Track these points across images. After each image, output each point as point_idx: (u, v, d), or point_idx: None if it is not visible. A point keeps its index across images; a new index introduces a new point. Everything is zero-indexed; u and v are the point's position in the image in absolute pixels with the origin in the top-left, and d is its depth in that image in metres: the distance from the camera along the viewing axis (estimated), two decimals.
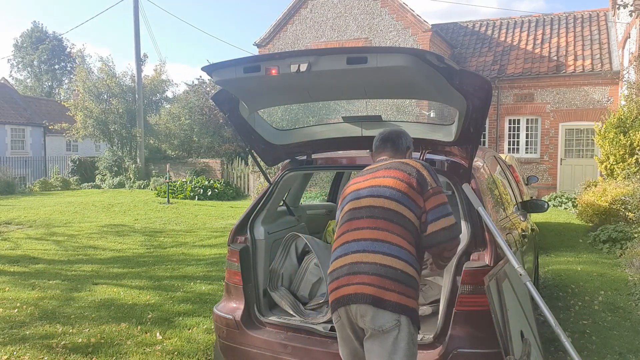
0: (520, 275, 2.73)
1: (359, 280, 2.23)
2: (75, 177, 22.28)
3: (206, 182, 17.20)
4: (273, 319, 3.25)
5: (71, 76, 44.12)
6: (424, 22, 17.48)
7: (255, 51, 20.21)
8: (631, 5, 11.00)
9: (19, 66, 47.10)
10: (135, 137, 21.31)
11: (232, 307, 3.30)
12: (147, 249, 8.43)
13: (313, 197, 13.43)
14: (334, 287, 2.32)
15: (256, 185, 16.40)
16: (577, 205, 10.96)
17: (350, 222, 2.39)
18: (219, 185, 17.13)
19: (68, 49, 45.73)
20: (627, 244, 7.61)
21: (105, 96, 22.05)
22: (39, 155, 26.80)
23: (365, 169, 2.61)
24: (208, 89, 20.31)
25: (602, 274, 6.60)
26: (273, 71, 2.39)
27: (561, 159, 17.37)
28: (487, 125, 17.40)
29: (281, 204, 3.91)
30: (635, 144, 11.00)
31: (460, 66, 2.55)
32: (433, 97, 2.88)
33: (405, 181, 2.38)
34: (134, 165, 21.08)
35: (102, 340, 4.32)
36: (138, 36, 21.43)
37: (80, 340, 4.34)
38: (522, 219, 4.29)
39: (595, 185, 11.04)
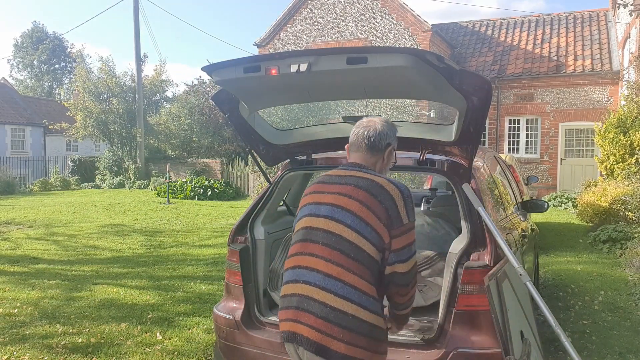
0: (520, 275, 2.73)
1: (307, 321, 2.03)
2: (75, 177, 22.29)
3: (206, 182, 17.20)
4: (273, 319, 3.24)
5: (71, 76, 44.17)
6: (424, 22, 17.48)
7: (255, 51, 20.21)
8: (631, 5, 11.00)
9: (19, 66, 47.16)
10: (135, 137, 21.31)
11: (232, 307, 3.30)
12: (147, 249, 8.43)
13: None
14: (283, 317, 2.14)
15: (256, 185, 16.40)
16: (577, 205, 10.96)
17: (305, 244, 2.14)
18: (219, 185, 17.12)
19: (68, 49, 45.77)
20: (627, 244, 7.62)
21: (105, 96, 22.06)
22: (39, 155, 26.81)
23: (332, 172, 2.28)
24: (208, 89, 20.31)
25: (602, 274, 6.60)
26: (273, 71, 2.38)
27: (561, 159, 17.37)
28: (487, 125, 17.40)
29: (281, 204, 3.91)
30: (635, 144, 11.00)
31: (460, 66, 2.52)
32: (433, 97, 2.88)
33: (373, 210, 2.06)
34: (134, 165, 21.08)
35: (102, 340, 4.32)
36: (138, 36, 21.43)
37: (80, 340, 4.34)
38: (522, 219, 4.29)
39: (595, 185, 11.04)
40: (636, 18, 12.33)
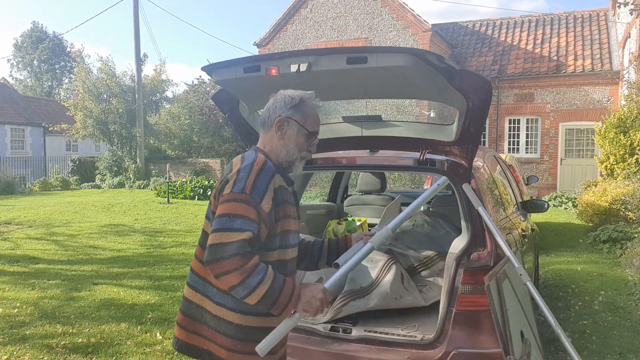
0: (520, 275, 2.72)
1: (198, 330, 1.95)
2: (75, 177, 22.29)
3: (206, 182, 17.21)
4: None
5: (71, 76, 44.17)
6: (424, 22, 17.49)
7: (255, 51, 20.21)
8: (631, 4, 11.00)
9: (19, 66, 47.18)
10: (135, 137, 21.31)
11: None
12: (147, 249, 8.43)
13: (313, 197, 13.44)
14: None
15: None
16: (577, 205, 10.97)
17: None
18: None
19: (68, 49, 45.79)
20: (627, 244, 7.61)
21: (105, 96, 22.06)
22: (39, 155, 26.80)
23: None
24: (208, 89, 20.32)
25: (602, 274, 6.60)
26: (273, 71, 2.38)
27: (561, 159, 17.37)
28: (487, 125, 17.41)
29: None
30: (635, 144, 11.00)
31: (461, 66, 2.51)
32: (433, 97, 2.88)
33: (217, 189, 1.89)
34: (133, 165, 21.08)
35: (102, 340, 4.32)
36: (138, 36, 21.44)
37: (80, 340, 4.34)
38: (522, 219, 4.29)
39: (596, 185, 11.04)
40: (636, 18, 12.33)
